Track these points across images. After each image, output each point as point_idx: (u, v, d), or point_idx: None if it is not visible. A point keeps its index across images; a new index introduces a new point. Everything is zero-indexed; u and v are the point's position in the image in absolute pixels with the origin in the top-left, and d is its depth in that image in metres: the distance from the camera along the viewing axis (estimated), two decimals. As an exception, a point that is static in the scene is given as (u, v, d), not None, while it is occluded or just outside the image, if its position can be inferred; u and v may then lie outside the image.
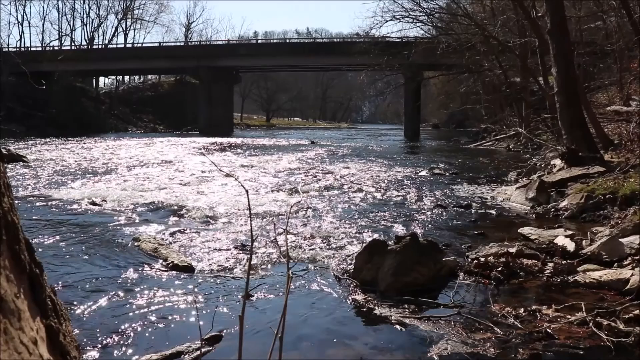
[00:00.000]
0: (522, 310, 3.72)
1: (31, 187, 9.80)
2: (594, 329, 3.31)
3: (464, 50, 26.20)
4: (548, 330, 3.34)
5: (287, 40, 61.51)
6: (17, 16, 73.54)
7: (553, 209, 7.62)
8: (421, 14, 30.82)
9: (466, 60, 27.59)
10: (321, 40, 65.38)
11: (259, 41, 64.43)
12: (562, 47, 11.02)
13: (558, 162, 10.82)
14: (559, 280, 4.41)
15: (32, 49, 54.64)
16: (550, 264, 4.74)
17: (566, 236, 5.58)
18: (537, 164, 13.42)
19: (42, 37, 61.45)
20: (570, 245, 5.21)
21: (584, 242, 5.32)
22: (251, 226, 1.38)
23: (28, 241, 0.92)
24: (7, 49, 51.85)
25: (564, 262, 4.76)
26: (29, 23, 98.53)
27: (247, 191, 1.32)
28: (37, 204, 8.08)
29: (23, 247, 0.88)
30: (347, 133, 52.09)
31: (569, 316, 3.56)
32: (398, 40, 35.61)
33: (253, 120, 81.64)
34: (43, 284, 0.94)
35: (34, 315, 0.88)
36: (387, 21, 30.75)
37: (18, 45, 57.25)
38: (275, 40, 63.61)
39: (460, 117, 53.27)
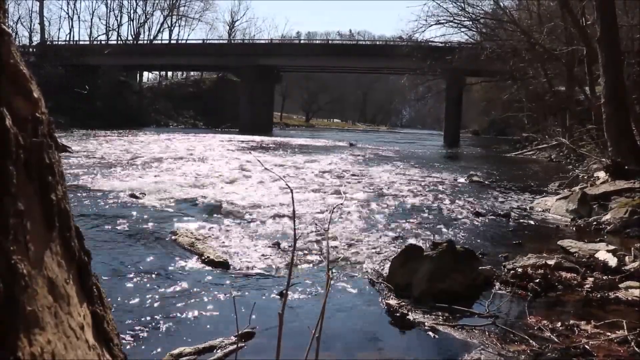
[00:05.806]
0: (559, 324, 3.63)
1: (74, 177, 10.05)
2: (636, 349, 3.20)
3: (509, 57, 25.82)
4: (586, 346, 3.23)
5: (330, 42, 61.56)
6: (67, 10, 76.16)
7: (595, 223, 7.42)
8: (466, 19, 30.51)
9: (510, 67, 27.19)
10: (363, 43, 65.36)
11: (302, 42, 64.62)
12: (612, 56, 10.74)
13: (602, 174, 10.54)
14: (599, 295, 4.27)
15: (80, 42, 56.16)
16: (590, 279, 4.61)
17: (608, 251, 5.41)
18: (579, 175, 13.10)
19: (90, 31, 63.37)
20: (612, 261, 5.06)
21: (627, 258, 5.16)
22: (294, 225, 1.39)
23: (78, 229, 0.95)
24: (57, 43, 53.55)
25: (604, 277, 4.63)
26: (79, 18, 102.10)
27: (291, 190, 1.33)
28: (78, 193, 8.28)
29: (73, 235, 0.91)
30: (386, 136, 51.92)
31: (608, 333, 3.44)
32: (441, 45, 35.32)
33: (292, 120, 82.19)
34: (90, 271, 0.97)
35: (81, 302, 0.91)
36: (431, 25, 30.62)
37: (67, 39, 59.02)
38: (317, 41, 63.71)
39: (501, 124, 52.42)
